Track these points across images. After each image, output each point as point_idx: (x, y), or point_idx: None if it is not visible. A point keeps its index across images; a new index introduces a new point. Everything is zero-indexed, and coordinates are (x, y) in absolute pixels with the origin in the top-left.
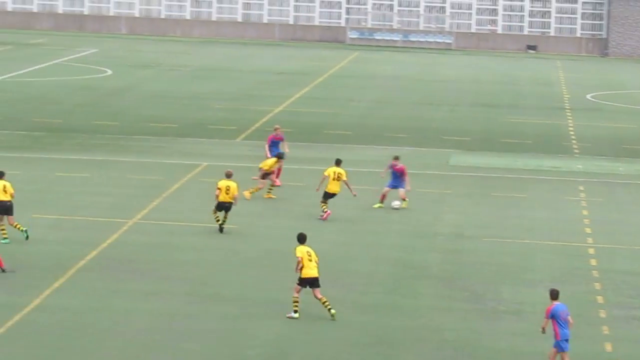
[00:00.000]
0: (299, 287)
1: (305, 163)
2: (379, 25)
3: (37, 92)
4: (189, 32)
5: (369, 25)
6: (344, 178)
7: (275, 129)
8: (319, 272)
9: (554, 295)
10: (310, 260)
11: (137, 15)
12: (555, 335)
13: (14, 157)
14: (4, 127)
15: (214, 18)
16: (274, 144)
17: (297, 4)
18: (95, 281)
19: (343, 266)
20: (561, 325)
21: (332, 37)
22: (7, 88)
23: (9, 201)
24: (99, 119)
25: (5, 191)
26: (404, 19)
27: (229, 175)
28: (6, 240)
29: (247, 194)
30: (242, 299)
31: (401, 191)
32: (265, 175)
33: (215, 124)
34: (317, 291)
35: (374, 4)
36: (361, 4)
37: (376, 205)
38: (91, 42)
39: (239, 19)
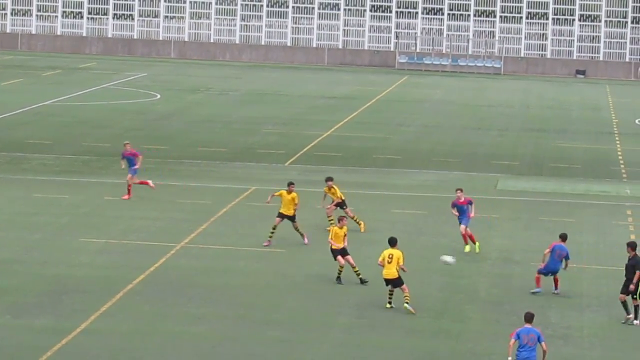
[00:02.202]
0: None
1: (354, 187)
2: (428, 49)
3: (86, 116)
4: (238, 56)
5: (418, 50)
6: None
7: (125, 145)
8: (398, 274)
9: (527, 318)
10: (390, 262)
11: (186, 39)
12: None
13: (63, 181)
14: (53, 151)
15: (263, 42)
16: (127, 159)
17: (347, 28)
18: (143, 305)
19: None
20: (519, 348)
21: (381, 62)
22: (56, 112)
23: None
24: (147, 143)
25: None
26: (453, 43)
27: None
28: None
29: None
30: (290, 323)
31: (463, 227)
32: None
33: (264, 148)
34: (403, 287)
35: (423, 28)
36: (410, 29)
37: (467, 249)
38: (140, 66)
39: (288, 43)
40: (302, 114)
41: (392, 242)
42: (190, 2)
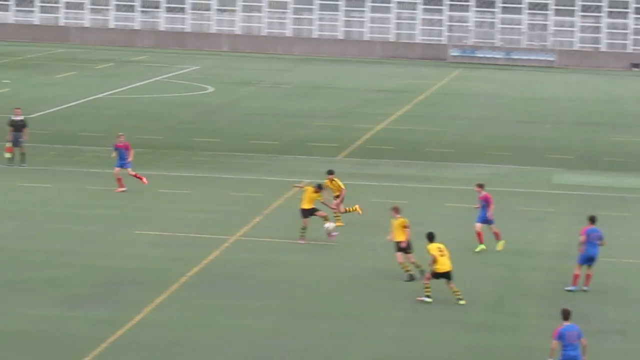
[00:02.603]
0: (430, 276)
1: (406, 181)
2: (481, 42)
3: (138, 109)
4: (290, 49)
5: (471, 43)
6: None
7: (119, 136)
8: (451, 266)
9: (566, 315)
10: (443, 256)
11: (238, 32)
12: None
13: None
14: (106, 144)
15: (315, 35)
16: (119, 151)
17: (399, 21)
18: (197, 298)
19: (444, 284)
20: (565, 347)
21: (433, 55)
22: (109, 105)
23: None
24: (200, 136)
25: None
26: (506, 36)
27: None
28: None
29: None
30: (344, 316)
31: (478, 225)
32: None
33: (316, 141)
34: (451, 283)
35: (476, 21)
36: (463, 22)
37: (478, 249)
38: (192, 59)
39: (340, 37)
40: (354, 107)
41: (432, 237)
42: None
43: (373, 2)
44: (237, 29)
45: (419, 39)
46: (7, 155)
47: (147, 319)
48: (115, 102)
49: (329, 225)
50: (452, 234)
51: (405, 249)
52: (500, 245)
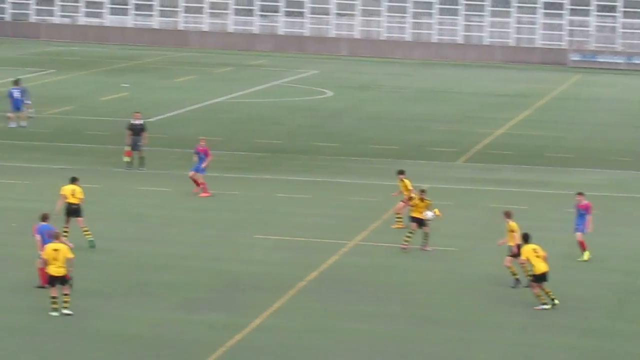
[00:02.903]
0: (535, 284)
1: (526, 186)
2: (602, 47)
3: (258, 113)
4: (409, 53)
5: (592, 48)
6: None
7: (200, 140)
8: (548, 267)
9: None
10: (538, 257)
11: (357, 36)
12: None
13: (235, 178)
14: (225, 148)
15: (434, 40)
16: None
17: (519, 25)
18: (316, 302)
19: (566, 290)
20: None
21: (553, 60)
22: (228, 109)
23: (77, 204)
24: (319, 140)
25: (73, 195)
26: (627, 41)
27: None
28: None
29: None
30: (464, 322)
31: (579, 235)
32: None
33: (435, 145)
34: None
35: (597, 25)
36: (584, 26)
37: (584, 258)
38: (312, 63)
39: (460, 41)
40: (474, 111)
41: (527, 238)
42: (362, 0)
43: (493, 6)
44: (356, 33)
45: (539, 43)
46: (126, 159)
47: (265, 323)
48: (234, 106)
49: (429, 213)
50: (571, 239)
51: (515, 254)
52: (586, 256)
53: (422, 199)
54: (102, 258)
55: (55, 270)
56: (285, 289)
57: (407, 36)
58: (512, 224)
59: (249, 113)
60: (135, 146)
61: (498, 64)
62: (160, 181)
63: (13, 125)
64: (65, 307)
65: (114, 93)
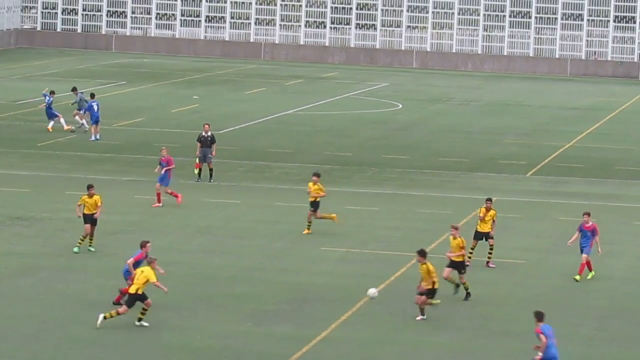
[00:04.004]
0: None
1: (596, 199)
2: None
3: (328, 125)
4: (480, 66)
5: None
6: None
7: (161, 150)
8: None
9: (540, 317)
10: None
11: (428, 49)
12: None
13: (304, 190)
14: (295, 160)
15: (505, 52)
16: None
17: (590, 38)
18: (383, 314)
19: (633, 303)
20: (550, 345)
21: (624, 73)
22: (299, 121)
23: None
24: (389, 152)
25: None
26: None
27: None
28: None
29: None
30: (530, 334)
31: (585, 257)
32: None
33: (505, 158)
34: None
35: None
36: None
37: (578, 277)
38: (382, 75)
39: (531, 54)
40: (544, 124)
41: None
42: (433, 12)
43: (564, 19)
44: (427, 46)
45: (610, 56)
46: (196, 171)
47: (332, 335)
48: (305, 119)
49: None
50: (639, 250)
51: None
52: (590, 276)
53: (488, 208)
54: (171, 270)
55: (133, 288)
56: (352, 301)
57: (478, 49)
58: (460, 239)
59: (319, 125)
60: (204, 158)
61: (569, 77)
62: (230, 193)
63: (92, 138)
64: (141, 319)
65: (185, 105)
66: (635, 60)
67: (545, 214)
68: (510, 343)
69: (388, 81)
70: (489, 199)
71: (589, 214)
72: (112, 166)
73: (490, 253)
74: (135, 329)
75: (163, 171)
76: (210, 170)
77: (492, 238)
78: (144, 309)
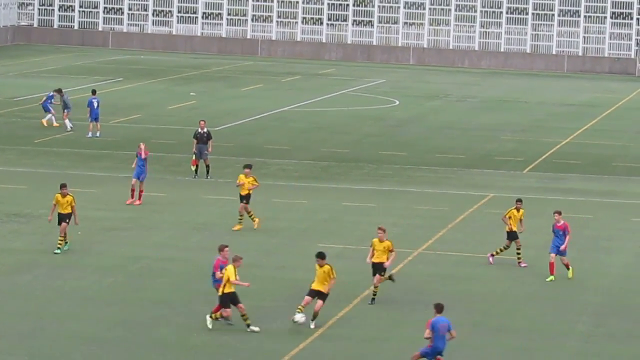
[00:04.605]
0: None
1: (593, 195)
2: None
3: (325, 121)
4: (477, 63)
5: None
6: None
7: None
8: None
9: (439, 309)
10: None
11: (425, 45)
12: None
13: (302, 187)
14: (292, 157)
15: (502, 49)
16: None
17: (587, 35)
18: (380, 311)
19: (630, 299)
20: (437, 338)
21: (621, 69)
22: (295, 118)
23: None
24: (386, 149)
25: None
26: None
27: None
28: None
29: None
30: (527, 331)
31: (553, 256)
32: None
33: (502, 155)
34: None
35: None
36: None
37: (549, 279)
38: (379, 72)
39: (528, 50)
40: (541, 121)
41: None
42: (430, 9)
43: (561, 16)
44: (424, 42)
45: (607, 53)
46: (192, 167)
47: (329, 332)
48: (302, 115)
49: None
50: (637, 248)
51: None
52: (570, 274)
53: (517, 209)
54: (168, 267)
55: (220, 290)
56: (349, 298)
57: (475, 45)
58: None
59: (316, 122)
60: (201, 154)
61: (566, 74)
62: (227, 190)
63: (89, 135)
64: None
65: (182, 102)
66: (632, 56)
67: (542, 211)
68: (507, 340)
69: (385, 78)
70: (519, 200)
71: (559, 213)
72: (110, 163)
73: (519, 253)
74: (132, 325)
75: (134, 164)
76: (207, 166)
77: (518, 238)
78: (241, 315)
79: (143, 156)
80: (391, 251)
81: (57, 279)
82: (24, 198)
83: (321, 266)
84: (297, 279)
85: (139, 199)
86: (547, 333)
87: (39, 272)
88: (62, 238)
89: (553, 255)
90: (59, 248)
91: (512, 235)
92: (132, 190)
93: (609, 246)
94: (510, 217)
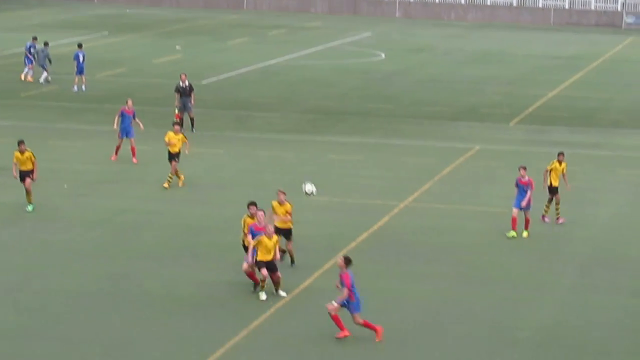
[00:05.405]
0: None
1: (579, 147)
2: None
3: (311, 75)
4: (463, 16)
5: None
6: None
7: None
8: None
9: (348, 262)
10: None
11: None
12: (350, 297)
13: (288, 140)
14: (278, 110)
15: (488, 2)
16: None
17: None
18: (366, 263)
19: (615, 251)
20: (355, 290)
21: (607, 22)
22: (281, 71)
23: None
24: (372, 102)
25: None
26: None
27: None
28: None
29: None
30: (513, 282)
31: (515, 211)
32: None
33: (488, 107)
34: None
35: None
36: None
37: (511, 234)
38: (365, 25)
39: (514, 3)
40: (527, 74)
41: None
42: None
43: None
44: None
45: (593, 5)
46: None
47: (315, 284)
48: (287, 69)
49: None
50: (623, 199)
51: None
52: (525, 234)
53: (560, 162)
54: (153, 220)
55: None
56: (335, 250)
57: None
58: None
59: (302, 75)
60: (185, 108)
61: (552, 27)
62: (213, 143)
63: (75, 89)
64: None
65: (167, 55)
66: (619, 9)
67: (527, 163)
68: (493, 291)
69: (371, 31)
70: (562, 153)
71: (525, 168)
72: (95, 117)
73: (557, 208)
74: (119, 278)
75: (117, 124)
76: (192, 119)
77: (558, 193)
78: (273, 282)
79: (129, 112)
80: (289, 213)
81: (43, 232)
82: (9, 152)
83: (253, 216)
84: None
85: (134, 156)
86: (532, 284)
87: (25, 225)
88: (28, 195)
89: (516, 210)
90: (30, 204)
91: (552, 190)
92: (117, 148)
93: (595, 198)
94: (551, 171)
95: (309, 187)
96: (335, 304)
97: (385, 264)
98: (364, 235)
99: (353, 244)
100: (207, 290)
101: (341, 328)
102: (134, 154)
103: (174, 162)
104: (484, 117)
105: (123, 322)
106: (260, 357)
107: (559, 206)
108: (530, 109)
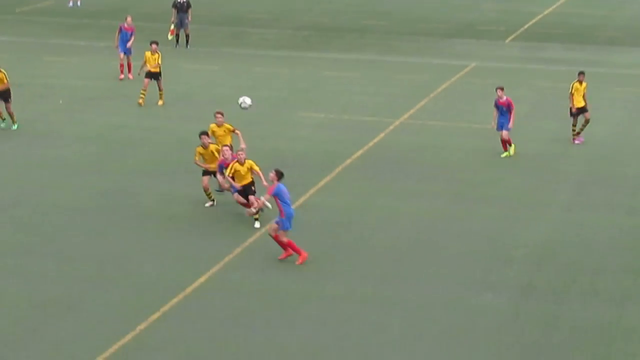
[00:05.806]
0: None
1: (575, 65)
2: None
3: None
4: None
5: None
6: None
7: (126, 18)
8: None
9: (280, 175)
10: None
11: None
12: (280, 213)
13: (283, 56)
14: (273, 26)
15: None
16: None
17: None
18: (361, 180)
19: (613, 169)
20: (286, 204)
21: None
22: None
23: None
24: (367, 18)
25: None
26: None
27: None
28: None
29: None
30: (508, 200)
31: (504, 133)
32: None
33: (484, 24)
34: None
35: None
36: None
37: (504, 155)
38: None
39: None
40: None
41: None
42: None
43: None
44: None
45: None
46: (170, 37)
47: (310, 201)
48: None
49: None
50: (619, 117)
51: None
52: (512, 150)
53: (580, 82)
54: (149, 136)
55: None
56: (330, 167)
57: None
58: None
59: None
60: (182, 24)
61: None
62: (208, 59)
63: (70, 4)
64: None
65: None
66: None
67: (523, 80)
68: (489, 209)
69: None
70: (582, 72)
71: (502, 89)
72: (91, 32)
73: (583, 127)
74: (113, 194)
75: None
76: (187, 36)
77: (587, 111)
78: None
79: (128, 30)
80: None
81: (39, 147)
82: (5, 67)
83: (206, 147)
84: (278, 148)
85: (129, 72)
86: (528, 202)
87: (20, 140)
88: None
89: (505, 132)
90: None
91: (580, 110)
92: (122, 66)
93: (591, 116)
94: (574, 93)
95: (247, 101)
96: (275, 224)
97: (380, 181)
98: (359, 152)
99: (348, 161)
100: (202, 208)
101: (284, 248)
102: (129, 70)
103: (146, 80)
104: (479, 34)
105: (118, 238)
106: (255, 275)
107: (585, 126)
108: (526, 26)
